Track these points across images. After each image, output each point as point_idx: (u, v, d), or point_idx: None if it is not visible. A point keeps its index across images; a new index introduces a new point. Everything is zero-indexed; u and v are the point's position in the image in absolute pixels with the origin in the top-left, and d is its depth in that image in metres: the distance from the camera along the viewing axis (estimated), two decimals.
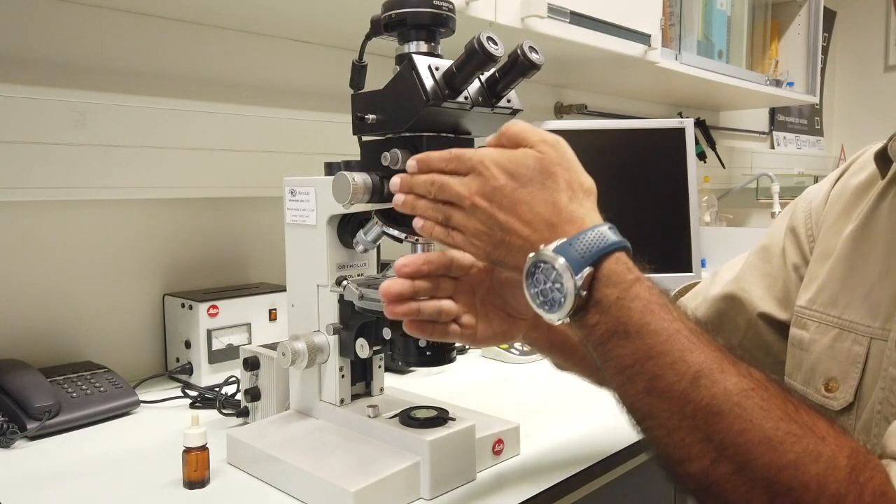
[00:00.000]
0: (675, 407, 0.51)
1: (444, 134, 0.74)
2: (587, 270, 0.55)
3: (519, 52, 0.68)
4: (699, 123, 2.40)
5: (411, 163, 0.66)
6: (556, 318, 0.57)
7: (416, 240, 0.75)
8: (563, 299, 0.55)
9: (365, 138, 0.77)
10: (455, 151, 0.63)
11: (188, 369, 1.14)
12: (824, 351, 0.72)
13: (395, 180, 0.67)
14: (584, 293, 0.55)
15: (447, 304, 0.67)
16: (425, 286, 0.66)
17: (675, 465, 0.52)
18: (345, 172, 0.73)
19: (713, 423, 0.49)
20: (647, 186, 1.53)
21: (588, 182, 0.62)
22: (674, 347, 0.52)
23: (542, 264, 0.57)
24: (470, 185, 0.61)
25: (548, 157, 0.60)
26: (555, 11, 1.31)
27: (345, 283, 0.80)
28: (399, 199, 0.66)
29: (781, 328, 0.81)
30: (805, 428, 0.49)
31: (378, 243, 0.81)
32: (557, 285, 0.55)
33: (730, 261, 0.91)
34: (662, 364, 0.52)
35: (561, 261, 0.55)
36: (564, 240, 0.57)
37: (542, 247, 0.57)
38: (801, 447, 0.48)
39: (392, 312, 0.65)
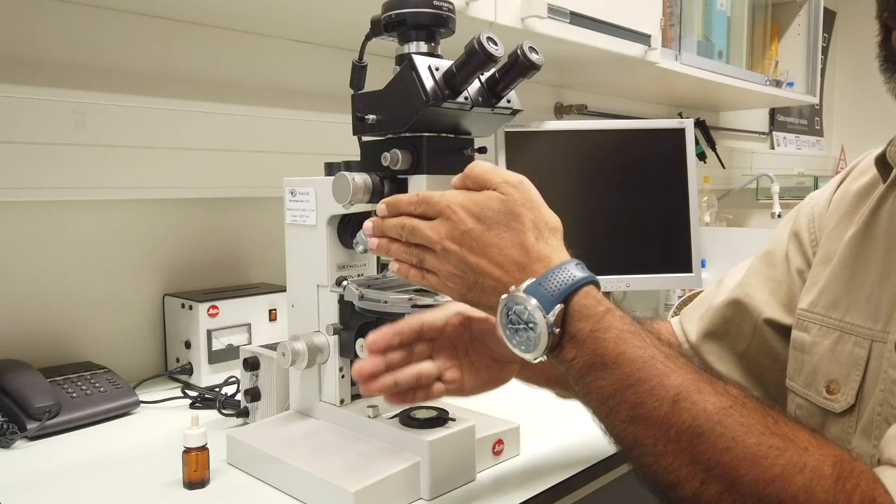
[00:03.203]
0: (659, 433, 0.52)
1: (443, 134, 0.74)
2: (558, 307, 0.56)
3: (519, 52, 0.68)
4: (699, 124, 2.40)
5: (381, 206, 0.67)
6: (532, 357, 0.58)
7: None
8: (537, 338, 0.57)
9: (365, 138, 0.77)
10: (422, 195, 0.64)
11: (188, 369, 1.14)
12: (826, 353, 0.72)
13: (368, 224, 0.68)
14: (558, 330, 0.56)
15: (426, 367, 0.69)
16: (398, 358, 0.68)
17: (667, 491, 0.52)
18: (345, 172, 0.73)
19: (697, 445, 0.50)
20: (647, 186, 1.53)
21: (553, 220, 0.63)
22: (651, 374, 0.53)
23: (514, 305, 0.58)
24: (439, 230, 0.62)
25: (512, 198, 0.61)
26: (555, 12, 1.31)
27: (345, 283, 0.80)
28: (373, 242, 0.67)
29: (787, 333, 0.80)
30: (787, 440, 0.49)
31: None
32: (531, 324, 0.57)
33: (733, 268, 0.91)
34: (642, 391, 0.53)
35: (532, 301, 0.56)
36: (534, 279, 0.58)
37: (512, 288, 0.58)
38: (785, 459, 0.48)
39: (368, 391, 0.67)
